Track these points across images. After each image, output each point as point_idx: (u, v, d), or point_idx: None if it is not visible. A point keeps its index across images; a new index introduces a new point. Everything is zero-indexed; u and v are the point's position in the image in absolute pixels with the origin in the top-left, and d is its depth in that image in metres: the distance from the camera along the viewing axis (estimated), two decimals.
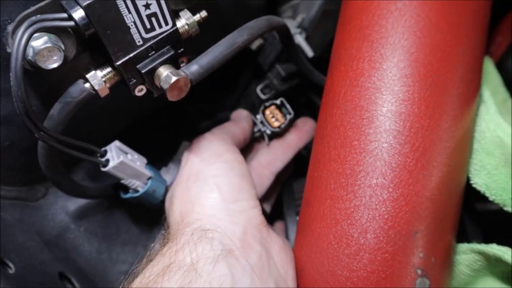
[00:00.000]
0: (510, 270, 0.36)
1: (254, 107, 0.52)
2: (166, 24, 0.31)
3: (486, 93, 0.38)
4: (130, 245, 0.48)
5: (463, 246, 0.37)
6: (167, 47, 0.32)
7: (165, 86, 0.31)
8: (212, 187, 0.35)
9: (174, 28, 0.31)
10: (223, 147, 0.38)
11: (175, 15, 0.32)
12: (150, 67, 0.31)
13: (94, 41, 0.29)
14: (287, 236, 0.48)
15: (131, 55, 0.30)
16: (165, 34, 0.31)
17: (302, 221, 0.37)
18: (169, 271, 0.29)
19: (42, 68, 0.28)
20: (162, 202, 0.41)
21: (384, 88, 0.33)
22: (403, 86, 0.33)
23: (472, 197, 0.37)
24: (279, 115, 0.48)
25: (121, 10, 0.28)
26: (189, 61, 0.33)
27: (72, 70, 0.32)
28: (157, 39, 0.31)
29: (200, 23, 0.33)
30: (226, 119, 0.48)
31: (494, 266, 0.36)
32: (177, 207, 0.36)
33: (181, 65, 0.33)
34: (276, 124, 0.48)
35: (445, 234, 0.34)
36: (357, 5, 0.36)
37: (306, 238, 0.36)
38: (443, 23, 0.34)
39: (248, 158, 0.49)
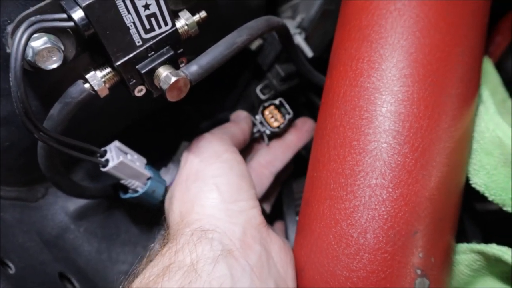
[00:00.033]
0: (509, 270, 0.36)
1: (254, 107, 0.52)
2: (166, 24, 0.31)
3: (485, 93, 0.39)
4: (129, 245, 0.48)
5: (463, 246, 0.37)
6: (167, 47, 0.32)
7: (165, 86, 0.31)
8: (212, 187, 0.35)
9: (174, 28, 0.31)
10: (222, 147, 0.38)
11: (174, 16, 0.32)
12: (149, 67, 0.31)
13: (94, 42, 0.29)
14: (286, 236, 0.49)
15: (131, 55, 0.30)
16: (164, 34, 0.31)
17: (302, 221, 0.37)
18: (169, 271, 0.29)
19: (42, 68, 0.28)
20: (162, 202, 0.41)
21: (383, 88, 0.33)
22: (402, 86, 0.33)
23: (471, 197, 0.37)
24: (278, 115, 0.48)
25: (121, 11, 0.28)
26: (188, 61, 0.33)
27: (72, 71, 0.32)
28: (156, 39, 0.31)
29: (199, 23, 0.33)
30: (226, 119, 0.48)
31: (494, 266, 0.36)
32: (176, 207, 0.36)
33: (181, 66, 0.33)
34: (275, 124, 0.48)
35: (444, 234, 0.34)
36: (356, 5, 0.36)
37: (306, 238, 0.36)
38: (442, 23, 0.34)
39: (248, 159, 0.49)
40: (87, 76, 0.30)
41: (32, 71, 0.28)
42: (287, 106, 0.48)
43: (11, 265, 0.38)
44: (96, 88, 0.30)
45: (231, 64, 0.35)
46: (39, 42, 0.27)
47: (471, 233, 0.44)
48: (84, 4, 0.26)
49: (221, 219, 0.34)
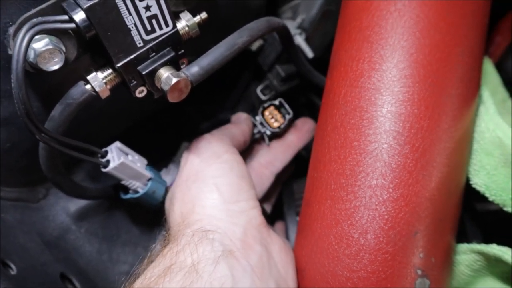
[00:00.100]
0: (510, 270, 0.36)
1: (254, 107, 0.52)
2: (167, 25, 0.31)
3: (486, 93, 0.39)
4: (130, 245, 0.49)
5: (463, 246, 0.37)
6: (168, 48, 0.32)
7: (166, 87, 0.31)
8: (212, 188, 0.35)
9: (175, 29, 0.32)
10: (222, 147, 0.38)
11: (175, 17, 0.32)
12: (150, 68, 0.31)
13: (95, 43, 0.29)
14: (287, 237, 0.49)
15: (132, 56, 0.30)
16: (165, 35, 0.31)
17: (303, 222, 0.38)
18: (170, 272, 0.29)
19: (43, 70, 0.28)
20: (162, 203, 0.42)
21: (384, 89, 0.34)
22: (403, 87, 0.33)
23: (471, 197, 0.37)
24: (278, 116, 0.48)
25: (122, 12, 0.28)
26: (189, 62, 0.33)
27: (73, 72, 0.32)
28: (157, 40, 0.31)
29: (200, 24, 0.33)
30: (227, 120, 0.48)
31: (494, 266, 0.37)
32: (177, 208, 0.36)
33: (182, 67, 0.33)
34: (275, 124, 0.48)
35: (445, 234, 0.34)
36: (357, 6, 0.36)
37: (306, 239, 0.36)
38: (442, 23, 0.34)
39: (248, 159, 0.49)
40: (88, 78, 0.30)
41: (33, 72, 0.28)
42: (287, 106, 0.48)
43: (12, 265, 0.38)
44: (97, 89, 0.30)
45: (231, 65, 0.35)
46: (41, 44, 0.27)
47: (471, 234, 0.44)
48: (85, 6, 0.26)
49: (221, 220, 0.34)
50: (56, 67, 0.28)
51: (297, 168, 0.54)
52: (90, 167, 0.47)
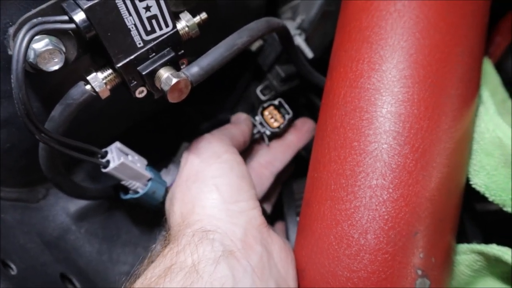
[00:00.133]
0: (510, 271, 0.36)
1: (254, 108, 0.52)
2: (167, 26, 0.31)
3: (485, 93, 0.39)
4: (130, 246, 0.49)
5: (463, 247, 0.37)
6: (168, 49, 0.32)
7: (166, 87, 0.31)
8: (212, 188, 0.35)
9: (175, 30, 0.32)
10: (222, 148, 0.38)
11: (175, 17, 0.32)
12: (150, 69, 0.31)
13: (95, 43, 0.29)
14: (287, 237, 0.49)
15: (132, 57, 0.30)
16: (165, 36, 0.31)
17: (303, 222, 0.38)
18: (170, 272, 0.29)
19: (43, 70, 0.28)
20: (162, 203, 0.42)
21: (383, 89, 0.34)
22: (403, 87, 0.33)
23: (471, 197, 0.38)
24: (278, 116, 0.48)
25: (122, 13, 0.28)
26: (189, 62, 0.33)
27: (73, 72, 0.32)
28: (157, 41, 0.31)
29: (200, 25, 0.33)
30: (227, 120, 0.48)
31: (494, 266, 0.37)
32: (177, 208, 0.36)
33: (182, 67, 0.33)
34: (275, 124, 0.48)
35: (445, 234, 0.34)
36: (356, 6, 0.36)
37: (306, 239, 0.36)
38: (442, 24, 0.34)
39: (248, 159, 0.49)
40: (88, 78, 0.30)
41: (33, 73, 0.28)
42: (286, 106, 0.48)
43: (13, 266, 0.38)
44: (97, 89, 0.30)
45: (231, 65, 0.35)
46: (41, 44, 0.27)
47: (471, 234, 0.44)
48: (85, 6, 0.26)
49: (221, 220, 0.34)
50: (56, 67, 0.28)
51: (297, 168, 0.54)
52: (90, 168, 0.47)
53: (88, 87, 0.30)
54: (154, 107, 0.49)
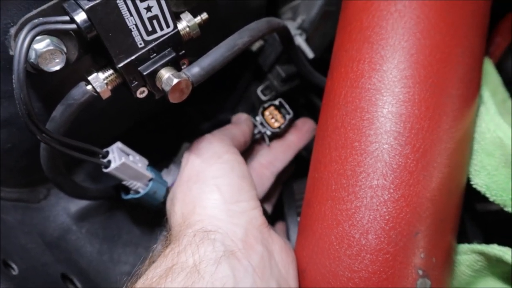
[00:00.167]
0: (510, 271, 0.36)
1: (255, 108, 0.53)
2: (168, 26, 0.31)
3: (486, 93, 0.39)
4: (131, 246, 0.49)
5: (464, 247, 0.37)
6: (168, 49, 0.32)
7: (167, 88, 0.31)
8: (213, 188, 0.35)
9: (176, 30, 0.32)
10: (223, 148, 0.38)
11: (176, 17, 0.32)
12: (151, 69, 0.31)
13: (96, 44, 0.29)
14: (288, 237, 0.49)
15: (133, 57, 0.30)
16: (166, 36, 0.31)
17: (303, 222, 0.38)
18: (171, 272, 0.29)
19: (44, 70, 0.28)
20: (163, 203, 0.42)
21: (384, 89, 0.34)
22: (404, 88, 0.33)
23: (472, 197, 0.37)
24: (278, 116, 0.48)
25: (123, 13, 0.28)
26: (190, 63, 0.33)
27: (74, 73, 0.32)
28: (158, 41, 0.31)
29: (201, 25, 0.33)
30: (227, 120, 0.48)
31: (495, 266, 0.37)
32: (178, 209, 0.36)
33: (182, 67, 0.33)
34: (276, 124, 0.48)
35: (446, 234, 0.34)
36: (357, 7, 0.36)
37: (307, 239, 0.36)
38: (443, 24, 0.34)
39: (249, 159, 0.49)
40: (89, 78, 0.30)
41: (34, 73, 0.28)
42: (286, 106, 0.48)
43: (14, 266, 0.38)
44: (98, 90, 0.30)
45: (232, 65, 0.35)
46: (42, 45, 0.27)
47: (472, 234, 0.44)
48: (86, 7, 0.26)
49: (222, 220, 0.34)
50: (57, 67, 0.28)
51: (298, 169, 0.54)
52: (91, 168, 0.47)
53: (89, 87, 0.30)
54: (155, 107, 0.49)
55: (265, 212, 0.38)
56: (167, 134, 0.53)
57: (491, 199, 0.36)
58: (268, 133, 0.48)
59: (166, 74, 0.31)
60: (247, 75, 0.53)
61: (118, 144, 0.39)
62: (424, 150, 0.33)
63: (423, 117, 0.33)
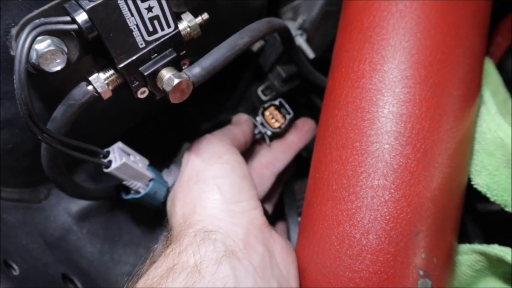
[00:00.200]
0: (511, 271, 0.36)
1: (255, 108, 0.53)
2: (168, 26, 0.31)
3: (487, 93, 0.39)
4: (132, 246, 0.49)
5: (465, 247, 0.37)
6: (169, 49, 0.32)
7: (168, 88, 0.31)
8: (213, 188, 0.35)
9: (176, 30, 0.32)
10: (223, 148, 0.38)
11: (177, 18, 0.32)
12: (152, 69, 0.31)
13: (97, 44, 0.29)
14: (288, 237, 0.49)
15: (134, 57, 0.30)
16: (167, 36, 0.31)
17: (304, 222, 0.38)
18: (172, 272, 0.29)
19: (46, 71, 0.28)
20: (163, 203, 0.42)
21: (385, 89, 0.34)
22: (404, 88, 0.33)
23: (473, 197, 0.37)
24: (279, 116, 0.48)
25: (124, 13, 0.28)
26: (191, 63, 0.33)
27: (75, 73, 0.32)
28: (159, 41, 0.31)
29: (201, 25, 0.33)
30: (228, 120, 0.48)
31: (496, 266, 0.37)
32: (179, 209, 0.36)
33: (183, 67, 0.33)
34: (276, 124, 0.48)
35: (446, 234, 0.34)
36: (358, 7, 0.36)
37: (308, 239, 0.36)
38: (443, 24, 0.34)
39: (249, 159, 0.49)
40: (90, 78, 0.30)
41: (35, 73, 0.28)
42: (287, 106, 0.48)
43: (15, 266, 0.38)
44: (99, 90, 0.30)
45: (232, 65, 0.35)
46: (43, 45, 0.27)
47: (473, 234, 0.44)
48: (87, 7, 0.27)
49: (223, 220, 0.34)
50: (58, 68, 0.28)
51: (298, 169, 0.54)
52: (92, 168, 0.47)
53: (90, 87, 0.30)
54: (156, 108, 0.49)
55: (265, 212, 0.38)
56: (168, 134, 0.53)
57: (492, 199, 0.36)
58: (269, 133, 0.48)
59: (167, 74, 0.31)
60: (248, 75, 0.53)
61: (119, 144, 0.39)
62: (425, 150, 0.33)
63: (424, 117, 0.33)
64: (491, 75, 0.43)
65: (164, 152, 0.49)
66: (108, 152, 0.38)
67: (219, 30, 0.39)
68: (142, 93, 0.33)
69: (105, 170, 0.37)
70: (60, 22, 0.27)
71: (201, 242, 0.31)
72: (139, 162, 0.40)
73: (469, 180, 0.37)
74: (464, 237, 0.42)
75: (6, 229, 0.40)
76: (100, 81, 0.30)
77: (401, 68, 0.33)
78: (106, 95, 0.31)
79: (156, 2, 0.29)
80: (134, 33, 0.29)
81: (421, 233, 0.32)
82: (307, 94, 0.58)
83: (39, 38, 0.27)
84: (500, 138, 0.35)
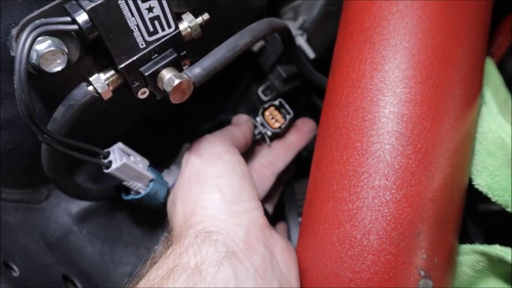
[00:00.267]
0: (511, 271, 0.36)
1: (256, 108, 0.52)
2: (169, 27, 0.31)
3: (488, 93, 0.39)
4: (132, 247, 0.48)
5: (466, 247, 0.37)
6: (170, 50, 0.32)
7: (168, 88, 0.31)
8: (213, 189, 0.35)
9: (177, 31, 0.32)
10: (224, 148, 0.38)
11: (177, 18, 0.32)
12: (153, 70, 0.31)
13: (98, 44, 0.29)
14: (289, 237, 0.49)
15: (134, 58, 0.30)
16: (167, 37, 0.31)
17: (305, 223, 0.38)
18: (173, 274, 0.29)
19: (46, 71, 0.28)
20: (163, 204, 0.42)
21: (386, 89, 0.34)
22: (405, 88, 0.33)
23: (474, 198, 0.37)
24: (279, 116, 0.48)
25: (124, 14, 0.28)
26: (191, 63, 0.33)
27: (76, 73, 0.32)
28: (160, 42, 0.31)
29: (202, 26, 0.33)
30: (228, 121, 0.48)
31: (497, 267, 0.37)
32: (179, 209, 0.36)
33: (184, 68, 0.33)
34: (276, 125, 0.48)
35: (447, 235, 0.34)
36: (358, 7, 0.36)
37: (309, 240, 0.36)
38: (444, 24, 0.34)
39: (249, 160, 0.49)
40: (90, 79, 0.30)
41: (36, 74, 0.28)
42: (287, 107, 0.48)
43: (15, 267, 0.38)
44: (99, 90, 0.30)
45: (233, 65, 0.35)
46: (43, 45, 0.27)
47: (473, 234, 0.44)
48: (88, 8, 0.26)
49: (224, 221, 0.34)
50: (59, 68, 0.28)
51: (299, 169, 0.54)
52: (92, 168, 0.47)
53: (90, 88, 0.30)
54: (156, 108, 0.49)
55: (266, 213, 0.38)
56: (168, 134, 0.53)
57: (493, 200, 0.36)
58: (269, 133, 0.48)
59: (167, 74, 0.31)
60: (248, 75, 0.53)
61: (119, 145, 0.39)
62: (426, 150, 0.32)
63: (425, 117, 0.33)
64: (492, 75, 0.43)
65: (165, 153, 0.49)
66: (109, 153, 0.38)
67: (220, 30, 0.39)
68: (143, 93, 0.33)
69: (105, 171, 0.37)
70: (61, 22, 0.27)
71: (202, 243, 0.31)
72: (139, 163, 0.40)
73: (470, 180, 0.37)
74: (465, 238, 0.42)
75: (6, 230, 0.40)
76: (101, 81, 0.30)
77: (402, 68, 0.33)
78: (107, 95, 0.31)
79: (156, 2, 0.29)
80: (134, 33, 0.29)
81: (422, 234, 0.32)
82: (307, 94, 0.58)
83: (39, 38, 0.27)
84: (501, 138, 0.35)
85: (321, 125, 0.39)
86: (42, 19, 0.27)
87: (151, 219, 0.49)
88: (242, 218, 0.35)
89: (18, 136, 0.36)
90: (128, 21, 0.29)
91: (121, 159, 0.37)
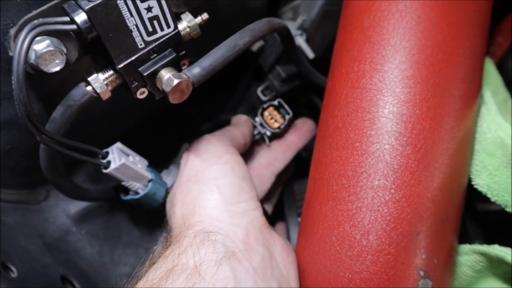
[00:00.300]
0: (511, 271, 0.36)
1: (255, 108, 0.52)
2: (168, 27, 0.31)
3: (487, 93, 0.39)
4: (131, 247, 0.48)
5: (465, 247, 0.37)
6: (169, 50, 0.32)
7: (167, 88, 0.31)
8: (213, 189, 0.35)
9: (176, 31, 0.32)
10: (223, 148, 0.38)
11: (176, 18, 0.32)
12: (152, 70, 0.31)
13: (96, 44, 0.29)
14: (288, 237, 0.49)
15: (133, 58, 0.30)
16: (166, 37, 0.31)
17: (304, 223, 0.37)
18: (172, 274, 0.29)
19: (44, 71, 0.28)
20: (162, 204, 0.41)
21: (385, 89, 0.33)
22: (405, 88, 0.33)
23: (473, 198, 0.37)
24: (278, 116, 0.48)
25: (123, 13, 0.28)
26: (190, 63, 0.33)
27: (74, 73, 0.32)
28: (159, 42, 0.31)
29: (201, 25, 0.33)
30: (228, 121, 0.48)
31: (496, 267, 0.37)
32: (178, 209, 0.36)
33: (183, 68, 0.33)
34: (275, 125, 0.48)
35: (447, 235, 0.34)
36: (358, 7, 0.36)
37: (308, 240, 0.36)
38: (444, 24, 0.34)
39: (248, 160, 0.49)
40: (89, 79, 0.30)
41: (34, 74, 0.28)
42: (286, 107, 0.48)
43: (13, 268, 0.38)
44: (98, 90, 0.30)
45: (232, 65, 0.35)
46: (42, 45, 0.27)
47: (473, 234, 0.44)
48: (86, 7, 0.26)
49: (223, 221, 0.34)
50: (57, 68, 0.28)
51: (298, 169, 0.54)
52: (91, 169, 0.47)
53: (89, 88, 0.30)
54: (156, 108, 0.49)
55: (265, 213, 0.38)
56: (168, 134, 0.53)
57: (492, 200, 0.36)
58: (268, 133, 0.48)
59: (166, 74, 0.31)
60: (248, 75, 0.53)
61: (118, 145, 0.39)
62: (426, 150, 0.32)
63: (425, 117, 0.33)
64: (492, 75, 0.43)
65: (164, 153, 0.49)
66: (107, 153, 0.38)
67: (219, 30, 0.39)
68: (142, 93, 0.32)
69: (104, 171, 0.37)
70: (59, 22, 0.27)
71: (200, 243, 0.31)
72: (138, 163, 0.39)
73: (470, 180, 0.37)
74: (465, 238, 0.42)
75: (4, 230, 0.40)
76: (99, 81, 0.30)
77: (401, 68, 0.33)
78: (105, 95, 0.30)
79: (155, 2, 0.29)
80: (133, 33, 0.29)
81: (422, 234, 0.32)
82: (307, 94, 0.58)
83: (37, 38, 0.27)
84: (501, 138, 0.35)
85: (320, 125, 0.39)
86: (41, 19, 0.26)
87: (150, 219, 0.49)
88: (242, 218, 0.34)
89: (17, 136, 0.36)
90: (127, 21, 0.28)
91: (120, 159, 0.37)
